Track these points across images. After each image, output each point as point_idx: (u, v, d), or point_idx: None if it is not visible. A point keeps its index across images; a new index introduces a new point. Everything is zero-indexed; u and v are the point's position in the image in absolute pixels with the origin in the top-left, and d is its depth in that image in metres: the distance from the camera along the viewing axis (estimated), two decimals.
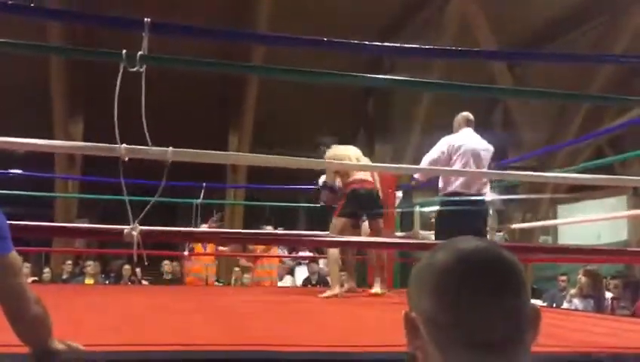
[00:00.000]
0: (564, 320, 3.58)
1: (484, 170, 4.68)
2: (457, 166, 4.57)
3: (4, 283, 1.41)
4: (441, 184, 4.74)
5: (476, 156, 4.64)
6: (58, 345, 1.56)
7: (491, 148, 4.78)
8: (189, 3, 11.31)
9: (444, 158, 4.62)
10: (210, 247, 8.06)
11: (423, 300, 0.81)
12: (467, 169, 4.56)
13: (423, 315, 0.80)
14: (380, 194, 5.38)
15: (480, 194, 4.64)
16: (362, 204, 5.20)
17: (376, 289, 5.29)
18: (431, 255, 0.84)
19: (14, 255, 1.43)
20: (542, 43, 13.06)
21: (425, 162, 4.78)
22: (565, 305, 6.95)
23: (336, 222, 5.11)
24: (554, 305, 7.34)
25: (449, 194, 4.62)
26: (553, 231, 16.20)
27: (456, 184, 4.58)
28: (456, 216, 4.45)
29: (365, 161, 5.38)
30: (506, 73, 13.26)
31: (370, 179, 5.24)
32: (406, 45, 4.52)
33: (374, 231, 5.27)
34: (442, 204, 4.76)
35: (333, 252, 5.26)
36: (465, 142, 4.66)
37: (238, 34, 4.22)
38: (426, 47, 5.10)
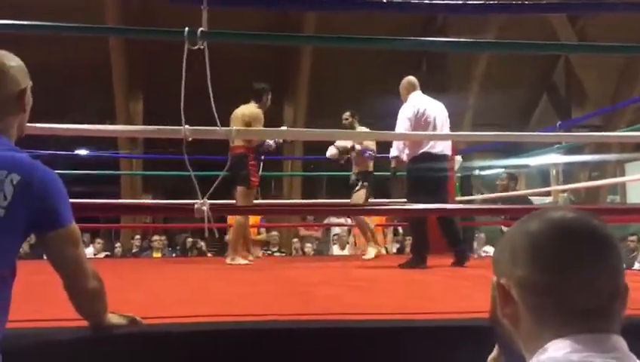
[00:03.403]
0: (634, 281, 3.47)
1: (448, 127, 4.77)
2: (429, 129, 4.64)
3: (65, 253, 1.43)
4: (407, 151, 4.72)
5: (438, 116, 4.69)
6: (114, 319, 1.60)
7: (442, 105, 4.85)
8: None
9: (413, 127, 4.61)
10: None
11: (518, 266, 0.81)
12: (433, 130, 4.65)
13: (518, 281, 0.81)
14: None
15: (444, 155, 4.70)
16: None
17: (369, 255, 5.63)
18: (523, 223, 0.84)
19: (74, 226, 1.45)
20: None
21: (399, 139, 4.82)
22: (636, 265, 6.74)
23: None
24: (623, 267, 7.13)
25: (419, 156, 4.62)
26: (621, 189, 15.62)
27: (426, 146, 4.60)
28: (428, 175, 4.54)
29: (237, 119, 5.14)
30: (567, 27, 12.70)
31: (233, 143, 5.01)
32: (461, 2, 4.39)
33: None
34: (412, 166, 4.70)
35: (239, 219, 5.26)
36: (426, 106, 4.72)
37: (294, 1, 4.23)
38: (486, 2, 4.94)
